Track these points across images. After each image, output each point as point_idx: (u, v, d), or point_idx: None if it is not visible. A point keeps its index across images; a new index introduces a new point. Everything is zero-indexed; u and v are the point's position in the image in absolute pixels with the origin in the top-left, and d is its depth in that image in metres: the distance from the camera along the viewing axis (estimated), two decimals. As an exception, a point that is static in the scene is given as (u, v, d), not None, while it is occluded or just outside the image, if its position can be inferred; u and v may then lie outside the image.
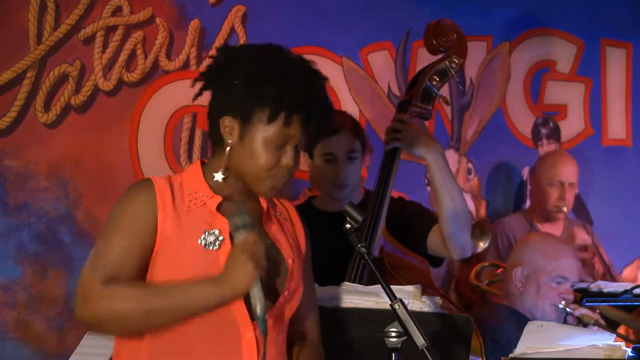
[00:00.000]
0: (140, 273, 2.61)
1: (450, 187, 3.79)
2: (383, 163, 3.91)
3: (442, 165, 3.80)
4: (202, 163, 2.74)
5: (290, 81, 2.61)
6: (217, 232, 2.62)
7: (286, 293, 2.68)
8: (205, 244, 2.60)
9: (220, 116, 2.65)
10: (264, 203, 2.73)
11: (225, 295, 2.55)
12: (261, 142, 2.62)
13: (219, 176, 2.66)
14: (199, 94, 2.73)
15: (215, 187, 2.68)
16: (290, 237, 2.76)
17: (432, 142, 3.84)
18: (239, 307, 2.59)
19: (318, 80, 2.67)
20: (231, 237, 2.61)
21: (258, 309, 2.53)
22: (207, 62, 2.75)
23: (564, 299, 4.23)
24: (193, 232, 2.61)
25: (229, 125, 2.64)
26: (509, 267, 4.41)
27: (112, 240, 2.59)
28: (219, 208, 2.65)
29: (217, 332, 2.59)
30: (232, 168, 2.66)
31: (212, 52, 2.77)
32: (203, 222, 2.63)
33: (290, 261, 2.70)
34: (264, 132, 2.62)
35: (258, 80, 2.60)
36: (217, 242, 2.61)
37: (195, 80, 2.74)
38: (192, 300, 2.55)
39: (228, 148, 2.64)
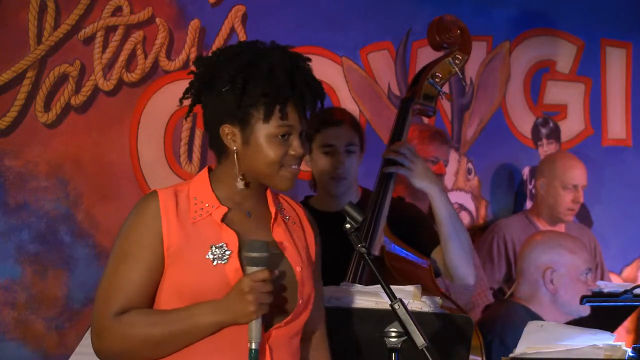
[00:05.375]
0: (152, 297, 2.63)
1: (456, 222, 3.84)
2: (379, 182, 3.91)
3: (446, 200, 3.85)
4: (209, 170, 2.73)
5: (276, 72, 2.61)
6: (224, 245, 2.61)
7: (300, 302, 2.67)
8: (213, 258, 2.59)
9: (218, 125, 2.65)
10: (272, 208, 2.72)
11: (226, 323, 2.56)
12: (265, 140, 2.62)
13: (240, 184, 2.65)
14: (190, 111, 2.72)
15: (222, 196, 2.67)
16: (299, 242, 2.75)
17: (435, 177, 3.89)
18: None
19: (300, 62, 2.67)
20: (239, 251, 2.61)
21: (252, 344, 2.54)
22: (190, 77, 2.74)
23: (592, 290, 4.29)
24: (200, 246, 2.60)
25: (229, 132, 2.64)
26: (525, 268, 4.43)
27: (120, 271, 2.60)
28: (224, 219, 2.64)
29: (227, 341, 2.59)
30: (245, 172, 2.65)
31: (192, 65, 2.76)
32: (209, 235, 2.62)
33: (298, 269, 2.68)
34: (265, 130, 2.62)
35: (244, 81, 2.60)
36: (225, 257, 2.60)
37: (182, 98, 2.73)
38: (195, 327, 2.56)
39: (235, 155, 2.64)
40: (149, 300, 2.62)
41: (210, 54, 2.74)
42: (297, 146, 2.64)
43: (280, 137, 2.63)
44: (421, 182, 3.85)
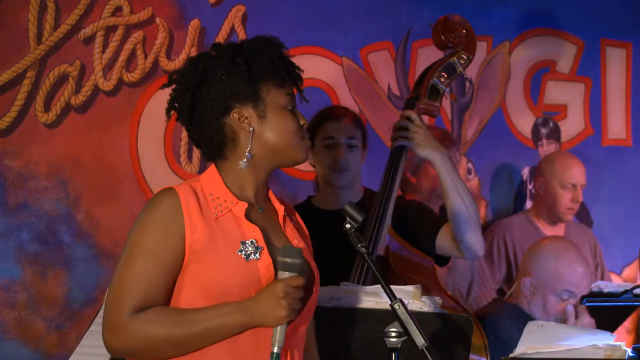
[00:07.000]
0: (169, 295, 2.59)
1: (460, 189, 3.81)
2: (389, 161, 3.91)
3: (450, 168, 3.83)
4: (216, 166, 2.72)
5: (269, 48, 2.66)
6: (254, 242, 2.59)
7: (313, 296, 2.68)
8: (245, 255, 2.58)
9: (225, 114, 2.64)
10: (279, 208, 2.72)
11: (251, 325, 2.55)
12: (281, 110, 2.65)
13: (243, 164, 2.63)
14: (187, 114, 2.71)
15: (235, 192, 2.66)
16: (303, 240, 2.75)
17: (439, 145, 3.86)
18: None
19: (281, 43, 2.72)
20: (269, 248, 2.61)
21: (275, 348, 2.53)
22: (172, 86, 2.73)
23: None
24: (229, 243, 2.58)
25: (239, 115, 2.64)
26: (520, 271, 4.45)
27: (137, 267, 2.54)
28: (246, 215, 2.63)
29: (247, 342, 2.57)
30: (259, 153, 2.65)
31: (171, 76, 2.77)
32: (235, 231, 2.60)
33: (314, 265, 2.70)
34: (277, 100, 2.65)
35: (247, 60, 2.63)
36: (258, 252, 2.59)
37: (171, 106, 2.73)
38: (221, 327, 2.54)
39: (251, 136, 2.63)
40: (167, 298, 2.57)
41: (186, 61, 2.76)
42: (302, 116, 2.69)
43: (288, 107, 2.66)
44: (423, 150, 3.84)
